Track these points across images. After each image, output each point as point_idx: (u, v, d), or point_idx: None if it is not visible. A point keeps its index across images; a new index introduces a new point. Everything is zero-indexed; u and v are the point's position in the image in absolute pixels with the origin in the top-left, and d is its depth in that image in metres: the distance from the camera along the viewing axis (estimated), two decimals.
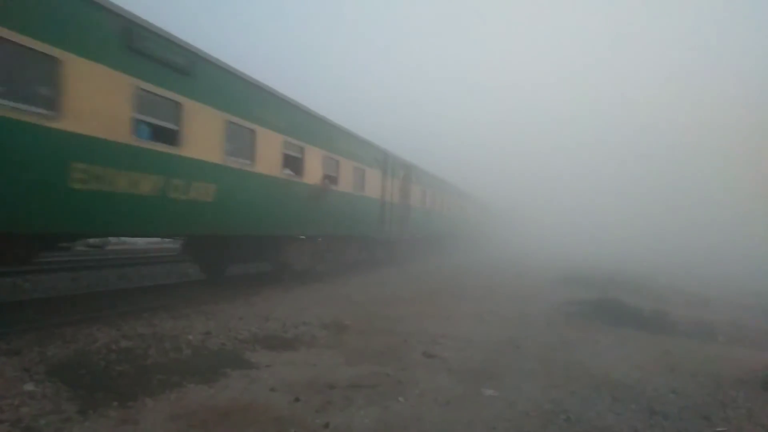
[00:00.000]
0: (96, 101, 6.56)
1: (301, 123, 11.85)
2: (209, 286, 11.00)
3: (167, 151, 7.85)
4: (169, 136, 7.94)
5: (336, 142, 13.78)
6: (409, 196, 20.18)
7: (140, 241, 19.77)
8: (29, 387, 4.44)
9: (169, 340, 6.27)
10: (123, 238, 17.62)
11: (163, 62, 7.66)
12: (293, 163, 11.59)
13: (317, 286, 12.16)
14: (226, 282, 11.84)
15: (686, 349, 7.87)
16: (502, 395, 5.14)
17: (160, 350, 5.87)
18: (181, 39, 8.07)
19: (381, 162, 17.20)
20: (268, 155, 10.47)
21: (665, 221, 55.49)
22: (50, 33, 5.94)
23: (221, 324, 7.39)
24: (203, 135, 8.57)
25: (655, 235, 51.85)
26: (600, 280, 17.11)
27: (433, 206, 24.44)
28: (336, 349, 6.65)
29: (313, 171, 12.42)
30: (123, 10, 6.94)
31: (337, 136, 13.94)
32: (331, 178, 13.27)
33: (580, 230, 59.78)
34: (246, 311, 8.46)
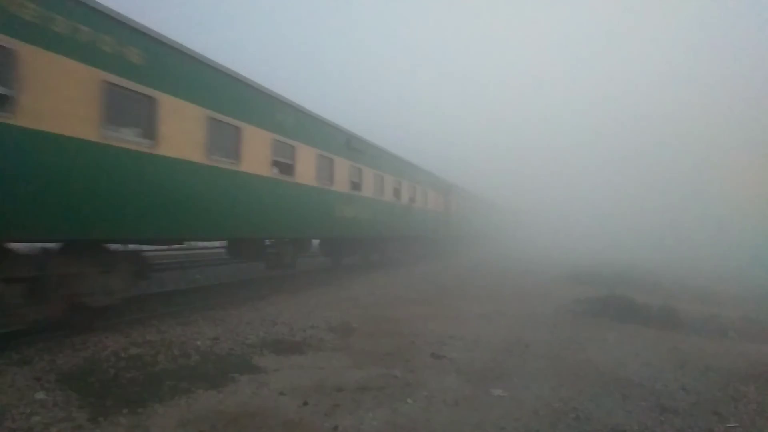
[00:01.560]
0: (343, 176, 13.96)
1: (413, 173, 21.17)
2: (217, 291, 11.04)
3: (373, 197, 16.35)
4: (376, 191, 16.73)
5: (424, 178, 22.94)
6: (450, 207, 27.53)
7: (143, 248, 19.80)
8: (40, 396, 4.47)
9: (178, 347, 6.30)
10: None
11: (357, 150, 14.93)
12: (407, 194, 20.24)
13: (324, 290, 12.18)
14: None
15: (696, 345, 7.83)
16: (510, 395, 5.13)
17: (168, 356, 5.90)
18: (364, 138, 15.99)
19: (442, 187, 26.21)
20: (403, 194, 19.62)
21: (671, 217, 55.18)
22: (332, 149, 13.31)
23: (229, 329, 7.42)
24: (399, 191, 19.06)
25: (662, 231, 51.57)
26: (607, 278, 17.04)
27: (465, 213, 31.33)
28: (343, 351, 6.66)
29: (416, 198, 21.43)
30: (346, 129, 14.41)
31: (426, 176, 23.31)
32: (420, 200, 21.79)
33: (586, 228, 59.58)
34: (253, 316, 8.48)
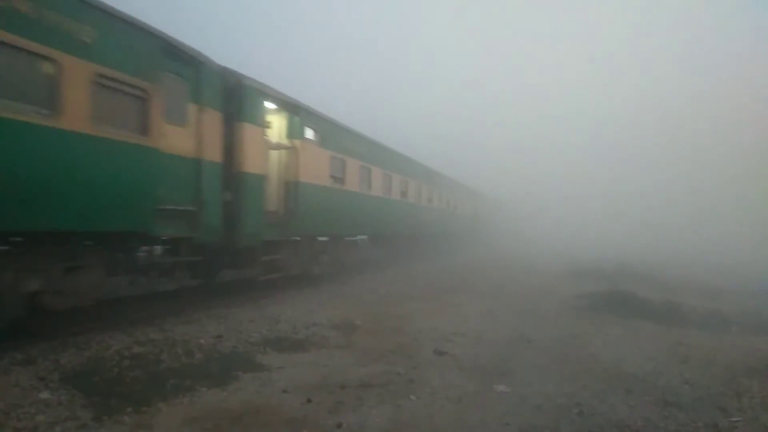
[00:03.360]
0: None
1: (429, 175, 23.08)
2: (219, 290, 11.06)
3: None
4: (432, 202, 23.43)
5: (455, 191, 28.64)
6: (455, 205, 29.72)
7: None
8: (45, 395, 4.48)
9: (181, 345, 6.31)
10: None
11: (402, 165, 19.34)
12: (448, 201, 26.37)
13: (327, 287, 12.18)
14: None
15: (699, 340, 7.82)
16: (514, 391, 5.13)
17: (172, 355, 5.91)
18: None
19: (471, 193, 32.70)
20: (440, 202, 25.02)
21: (673, 213, 55.14)
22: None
23: (232, 327, 7.43)
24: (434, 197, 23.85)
25: (664, 226, 51.54)
26: (609, 273, 17.04)
27: (469, 210, 32.71)
28: (347, 349, 6.67)
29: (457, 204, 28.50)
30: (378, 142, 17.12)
31: (459, 188, 29.55)
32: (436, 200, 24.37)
33: (588, 223, 59.48)
34: (256, 314, 8.49)
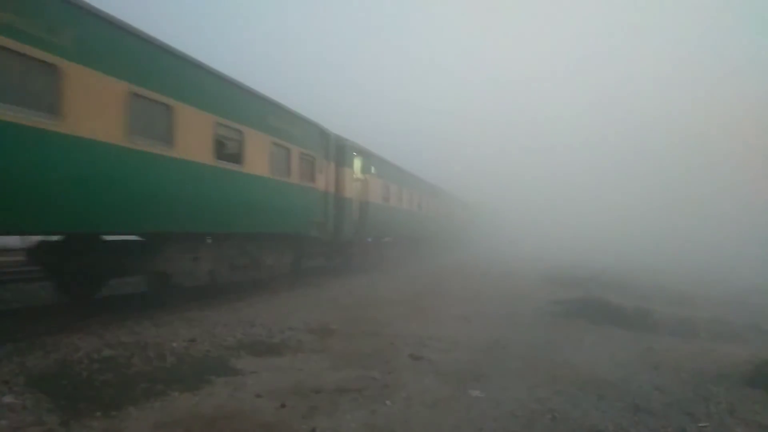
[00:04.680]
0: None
1: (418, 183, 25.88)
2: (195, 292, 10.89)
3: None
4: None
5: (451, 202, 34.20)
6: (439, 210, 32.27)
7: None
8: (8, 399, 4.35)
9: (153, 348, 6.19)
10: None
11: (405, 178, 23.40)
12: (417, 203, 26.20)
13: (303, 291, 12.12)
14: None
15: (669, 346, 7.97)
16: (488, 396, 5.16)
17: (143, 358, 5.80)
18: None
19: (462, 202, 38.29)
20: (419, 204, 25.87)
21: (661, 219, 56.05)
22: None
23: (206, 331, 7.32)
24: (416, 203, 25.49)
25: (651, 233, 52.33)
26: (585, 280, 17.28)
27: (450, 215, 34.92)
28: (322, 353, 6.63)
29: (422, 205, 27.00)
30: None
31: (454, 199, 35.23)
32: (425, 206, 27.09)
33: (574, 229, 60.07)
34: (231, 317, 8.39)
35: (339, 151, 15.21)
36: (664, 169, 62.71)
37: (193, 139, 8.52)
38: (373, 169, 17.92)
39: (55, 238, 8.13)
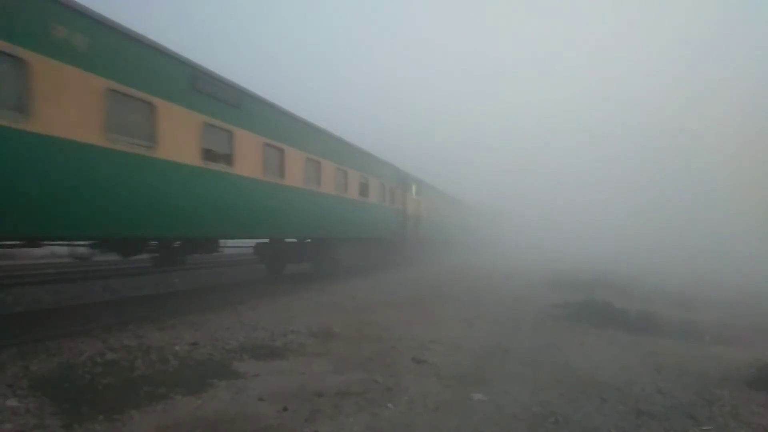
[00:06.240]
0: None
1: (465, 207, 39.06)
2: (194, 295, 10.91)
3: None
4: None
5: (465, 209, 39.51)
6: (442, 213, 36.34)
7: None
8: (12, 402, 4.37)
9: (156, 352, 6.21)
10: None
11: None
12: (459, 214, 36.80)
13: (305, 294, 12.12)
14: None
15: (672, 350, 7.96)
16: (490, 399, 5.16)
17: (146, 362, 5.81)
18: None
19: (472, 208, 43.25)
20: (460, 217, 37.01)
21: (661, 219, 55.91)
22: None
23: (208, 334, 7.34)
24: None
25: (651, 234, 52.19)
26: (587, 283, 17.25)
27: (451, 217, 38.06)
28: (324, 356, 6.63)
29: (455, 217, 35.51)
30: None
31: (466, 206, 40.20)
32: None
33: (576, 231, 60.00)
34: (233, 321, 8.40)
35: (402, 180, 21.90)
36: (664, 169, 62.60)
37: (351, 185, 15.82)
38: (422, 192, 25.15)
39: (264, 240, 13.16)
